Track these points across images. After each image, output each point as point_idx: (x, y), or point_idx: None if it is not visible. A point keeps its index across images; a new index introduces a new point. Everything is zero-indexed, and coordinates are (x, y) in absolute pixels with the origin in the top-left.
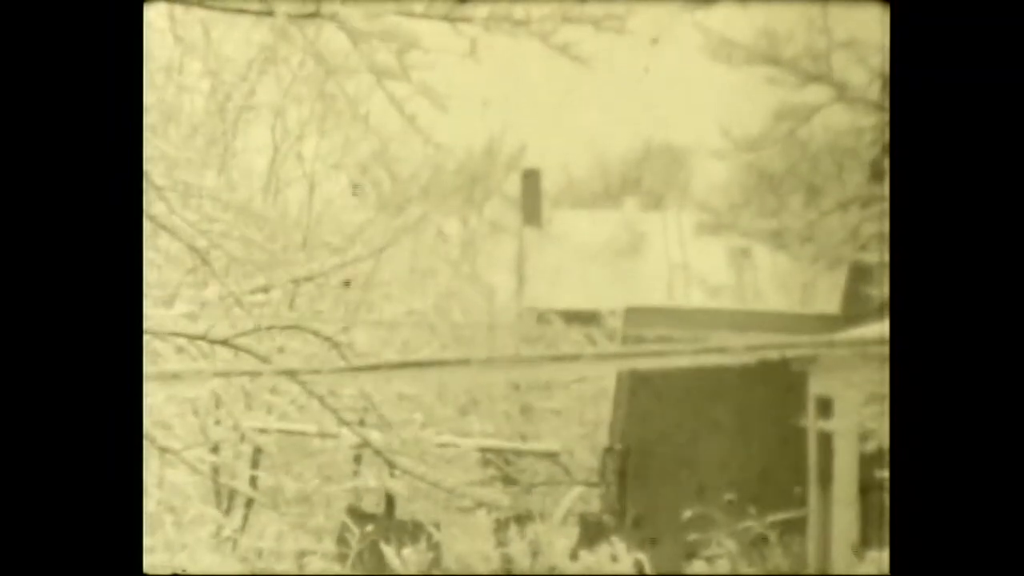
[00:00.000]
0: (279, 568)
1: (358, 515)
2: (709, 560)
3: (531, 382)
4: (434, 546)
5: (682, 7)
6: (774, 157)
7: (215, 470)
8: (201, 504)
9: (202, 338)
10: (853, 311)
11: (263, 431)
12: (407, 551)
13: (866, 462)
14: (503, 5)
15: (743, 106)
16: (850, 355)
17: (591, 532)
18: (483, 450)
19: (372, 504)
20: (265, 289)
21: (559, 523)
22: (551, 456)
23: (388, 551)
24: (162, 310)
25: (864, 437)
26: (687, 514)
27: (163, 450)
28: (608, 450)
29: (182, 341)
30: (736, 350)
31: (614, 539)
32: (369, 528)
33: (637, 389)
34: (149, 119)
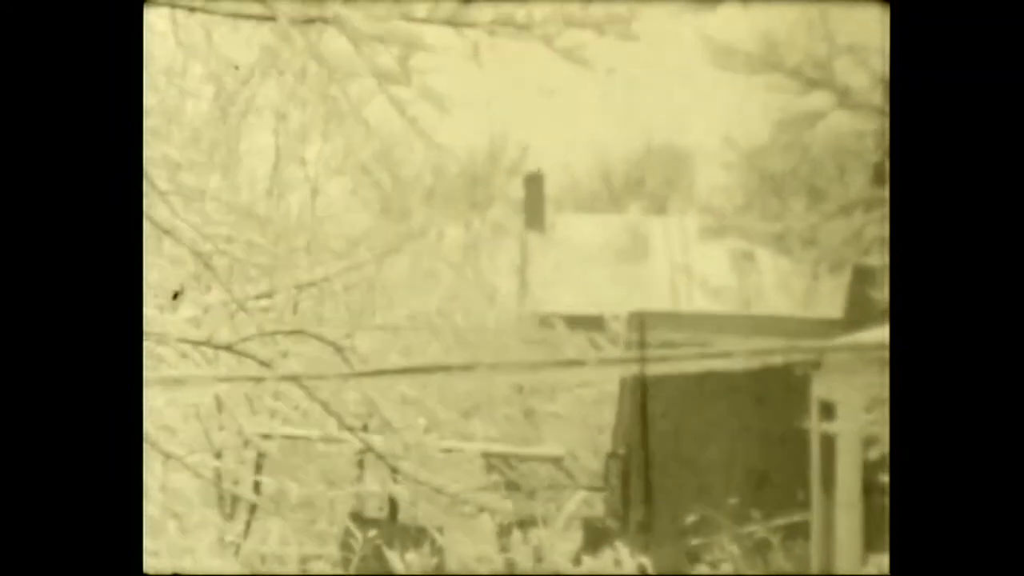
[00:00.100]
0: (282, 573)
1: (361, 520)
2: (712, 564)
3: (534, 386)
4: (437, 551)
5: (685, 7)
6: (777, 161)
7: (218, 475)
8: (204, 509)
9: (205, 343)
10: (856, 315)
11: (266, 436)
12: (410, 556)
13: (869, 466)
14: (506, 9)
15: (747, 113)
16: (853, 359)
17: (595, 537)
18: (486, 455)
19: (375, 509)
20: (268, 294)
21: (562, 528)
22: (554, 460)
23: (392, 556)
24: (165, 315)
25: (867, 441)
26: (690, 518)
27: (166, 455)
28: (612, 455)
29: (185, 347)
30: (740, 354)
31: (618, 544)
32: (372, 533)
33: (640, 393)
34: (152, 122)
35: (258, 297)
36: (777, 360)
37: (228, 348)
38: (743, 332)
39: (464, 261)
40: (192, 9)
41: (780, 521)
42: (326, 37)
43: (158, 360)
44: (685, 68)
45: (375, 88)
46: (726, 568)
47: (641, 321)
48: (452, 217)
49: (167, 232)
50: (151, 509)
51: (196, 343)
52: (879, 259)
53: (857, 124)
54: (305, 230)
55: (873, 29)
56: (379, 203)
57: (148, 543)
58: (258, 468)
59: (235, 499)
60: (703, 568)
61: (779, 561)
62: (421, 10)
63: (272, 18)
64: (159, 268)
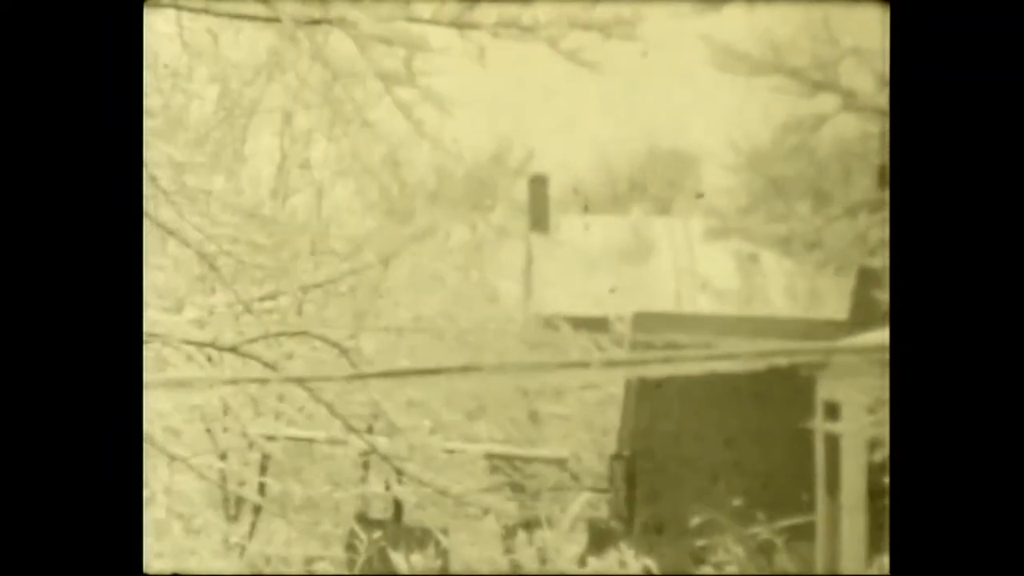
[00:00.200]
0: (287, 574)
1: (366, 521)
2: (717, 566)
3: (539, 388)
4: (442, 552)
5: (689, 9)
6: (781, 163)
7: (223, 477)
8: (209, 511)
9: (210, 345)
10: (861, 317)
11: (271, 438)
12: (415, 557)
13: (874, 468)
14: (511, 11)
15: (751, 115)
16: (859, 361)
17: (599, 538)
18: (491, 456)
19: (380, 510)
20: (273, 296)
21: (567, 529)
22: (559, 462)
23: (396, 557)
24: (171, 316)
25: (872, 443)
26: (695, 520)
27: (171, 457)
28: (616, 456)
29: (190, 348)
30: (745, 356)
31: (622, 545)
32: (377, 534)
33: (645, 395)
34: (157, 124)
35: (263, 299)
36: (782, 362)
37: (233, 350)
38: (747, 334)
39: (468, 263)
40: (197, 11)
41: (785, 523)
42: (331, 39)
43: (163, 362)
44: (689, 70)
45: (380, 90)
46: (731, 570)
47: (646, 323)
48: (457, 219)
49: (172, 233)
50: (156, 511)
51: (201, 345)
52: (884, 261)
53: (862, 126)
54: (310, 232)
55: (878, 31)
56: (384, 205)
57: (153, 544)
58: (263, 470)
59: (240, 501)
60: (708, 569)
61: (784, 563)
62: (426, 12)
63: (277, 20)
64: (164, 270)
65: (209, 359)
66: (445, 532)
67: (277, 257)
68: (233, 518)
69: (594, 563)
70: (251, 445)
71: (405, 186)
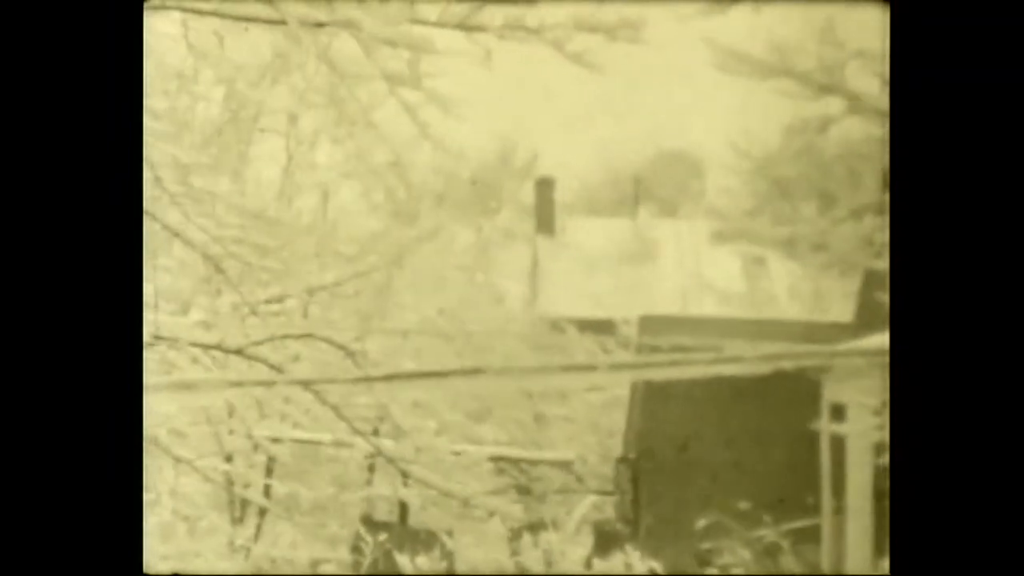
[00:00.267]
0: None
1: (372, 524)
2: (723, 568)
3: (545, 390)
4: (447, 554)
5: (694, 12)
6: (787, 166)
7: (229, 479)
8: (214, 513)
9: (216, 347)
10: (867, 319)
11: (277, 440)
12: (421, 559)
13: (880, 471)
14: (517, 13)
15: (757, 118)
16: (864, 363)
17: (605, 541)
18: (496, 459)
19: (386, 512)
20: (279, 298)
21: (573, 532)
22: (565, 465)
23: (402, 559)
24: (176, 318)
25: (878, 446)
26: (701, 523)
27: (177, 459)
28: (622, 459)
29: (196, 350)
30: (751, 359)
31: (628, 547)
32: (383, 537)
33: (651, 398)
34: (163, 126)
35: (269, 301)
36: (787, 364)
37: (239, 352)
38: (753, 336)
39: (474, 265)
40: (203, 13)
41: (791, 525)
42: (336, 41)
43: (168, 364)
44: (695, 73)
45: (385, 92)
46: (737, 572)
47: (652, 326)
48: (462, 221)
49: (177, 235)
50: (161, 513)
51: (207, 347)
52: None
53: (868, 129)
54: (316, 234)
55: (882, 34)
56: (389, 207)
57: (158, 546)
58: (268, 472)
59: (245, 503)
60: (713, 572)
61: (790, 565)
62: (431, 14)
63: (283, 22)
64: (170, 272)
65: (215, 361)
66: (451, 534)
67: (283, 259)
68: (238, 520)
69: (600, 565)
70: (257, 447)
71: (410, 188)
